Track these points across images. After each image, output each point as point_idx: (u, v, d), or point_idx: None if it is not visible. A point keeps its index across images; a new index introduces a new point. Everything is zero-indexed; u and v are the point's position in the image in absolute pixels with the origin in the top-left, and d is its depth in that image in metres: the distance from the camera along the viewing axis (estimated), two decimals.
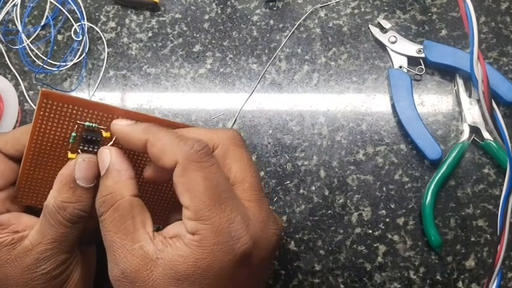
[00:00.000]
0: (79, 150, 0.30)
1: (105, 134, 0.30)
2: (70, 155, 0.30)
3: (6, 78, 0.48)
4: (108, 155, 0.29)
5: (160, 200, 0.35)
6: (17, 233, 0.31)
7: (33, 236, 0.30)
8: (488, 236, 0.42)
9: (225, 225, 0.27)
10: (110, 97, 0.48)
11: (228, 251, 0.27)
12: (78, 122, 0.29)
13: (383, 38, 0.46)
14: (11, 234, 0.30)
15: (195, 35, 0.49)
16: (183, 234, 0.28)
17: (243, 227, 0.28)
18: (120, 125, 0.30)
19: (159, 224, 0.36)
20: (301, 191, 0.44)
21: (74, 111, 0.29)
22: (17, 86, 0.48)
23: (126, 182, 0.29)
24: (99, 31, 0.49)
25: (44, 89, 0.27)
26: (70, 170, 0.30)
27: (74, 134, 0.29)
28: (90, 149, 0.30)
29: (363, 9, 0.48)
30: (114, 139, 0.30)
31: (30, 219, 0.32)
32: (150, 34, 0.49)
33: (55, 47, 0.49)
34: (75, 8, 0.49)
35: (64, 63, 0.48)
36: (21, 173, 0.31)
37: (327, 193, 0.43)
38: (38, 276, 0.30)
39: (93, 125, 0.29)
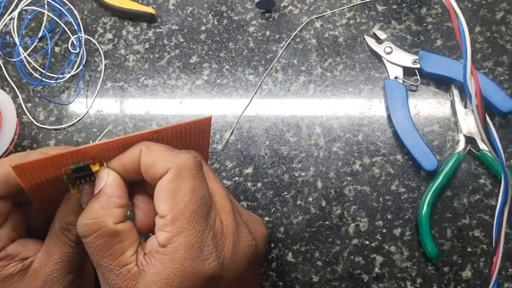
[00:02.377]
0: (77, 183, 0.30)
1: (94, 168, 0.29)
2: (72, 191, 0.30)
3: (4, 90, 0.49)
4: (106, 176, 0.29)
5: None
6: (26, 259, 0.31)
7: (40, 257, 0.31)
8: (484, 246, 0.42)
9: (197, 240, 0.27)
10: (107, 109, 0.48)
11: (198, 267, 0.27)
12: (62, 169, 0.29)
13: (378, 48, 0.46)
14: (21, 261, 0.31)
15: (191, 46, 0.49)
16: (155, 249, 0.28)
17: (214, 243, 0.28)
18: (114, 160, 0.30)
19: None
20: (298, 202, 0.44)
21: (53, 165, 0.28)
22: (15, 98, 0.48)
23: (112, 211, 0.28)
24: (96, 43, 0.50)
25: (12, 165, 0.27)
26: (77, 194, 0.30)
27: (65, 176, 0.29)
28: (88, 180, 0.30)
29: (358, 20, 0.48)
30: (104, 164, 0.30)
31: (37, 244, 0.32)
32: (147, 46, 0.49)
33: (52, 59, 0.49)
34: (71, 20, 0.49)
35: (62, 76, 0.49)
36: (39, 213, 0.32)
37: (324, 204, 0.44)
38: None
39: (78, 165, 0.29)
